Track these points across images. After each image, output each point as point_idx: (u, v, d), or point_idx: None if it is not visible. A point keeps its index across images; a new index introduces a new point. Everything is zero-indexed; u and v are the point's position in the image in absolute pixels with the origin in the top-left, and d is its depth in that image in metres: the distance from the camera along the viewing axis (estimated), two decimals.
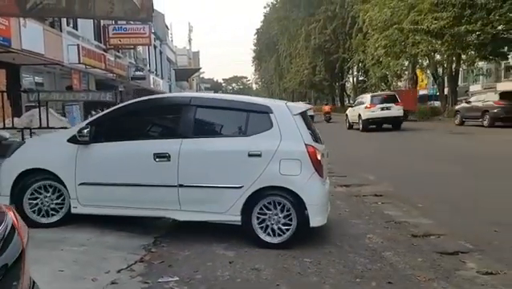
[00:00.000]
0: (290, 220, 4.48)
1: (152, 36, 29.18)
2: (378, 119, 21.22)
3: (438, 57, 32.80)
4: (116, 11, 8.72)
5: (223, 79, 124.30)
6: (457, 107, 24.78)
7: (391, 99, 21.85)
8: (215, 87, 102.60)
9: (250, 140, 4.58)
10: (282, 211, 4.50)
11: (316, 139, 4.85)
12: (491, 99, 20.86)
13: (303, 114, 4.87)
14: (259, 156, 4.47)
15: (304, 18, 52.55)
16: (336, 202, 6.42)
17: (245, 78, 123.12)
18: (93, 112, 19.59)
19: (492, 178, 8.34)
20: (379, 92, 28.75)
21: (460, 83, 38.84)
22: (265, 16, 74.90)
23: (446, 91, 33.77)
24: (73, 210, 4.87)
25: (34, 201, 4.92)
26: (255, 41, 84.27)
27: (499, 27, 23.17)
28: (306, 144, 4.50)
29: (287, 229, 4.49)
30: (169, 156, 4.59)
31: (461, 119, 22.82)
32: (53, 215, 4.97)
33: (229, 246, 4.57)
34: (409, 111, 27.06)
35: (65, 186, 4.86)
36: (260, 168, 4.46)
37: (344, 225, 5.43)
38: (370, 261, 4.15)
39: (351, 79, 55.30)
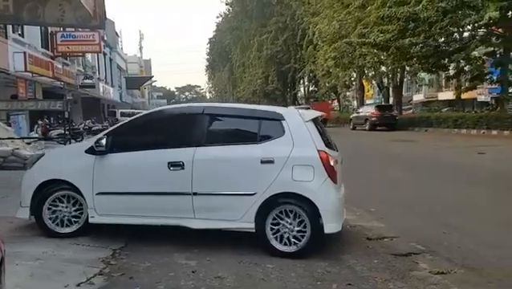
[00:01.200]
0: (305, 227, 4.45)
1: (102, 43, 28.49)
2: None
3: (383, 68, 34.33)
4: (67, 18, 8.53)
5: (176, 88, 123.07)
6: (350, 116, 32.42)
7: (306, 110, 28.14)
8: (168, 95, 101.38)
9: (263, 147, 4.62)
10: (295, 218, 4.47)
11: (329, 145, 4.87)
12: (370, 110, 28.93)
13: (315, 120, 4.91)
14: (272, 162, 4.50)
15: (256, 29, 53.30)
16: None
17: (199, 87, 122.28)
18: (39, 122, 18.87)
19: (424, 177, 8.83)
20: (299, 106, 36.54)
21: (404, 92, 40.75)
22: (217, 26, 75.12)
23: (391, 100, 35.35)
24: (90, 220, 4.90)
25: (54, 211, 4.97)
26: (208, 50, 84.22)
27: (440, 40, 24.63)
28: (318, 150, 4.51)
29: (302, 237, 4.45)
30: (183, 165, 4.63)
31: (353, 125, 30.13)
32: (71, 225, 5.01)
33: (191, 255, 4.55)
34: (325, 119, 33.33)
35: (83, 196, 4.92)
36: (273, 175, 4.48)
37: None
38: (329, 264, 4.28)
39: (302, 89, 56.55)
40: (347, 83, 41.17)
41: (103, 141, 4.84)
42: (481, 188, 8.20)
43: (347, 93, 50.45)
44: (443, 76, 38.59)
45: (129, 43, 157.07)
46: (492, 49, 24.89)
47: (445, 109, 37.40)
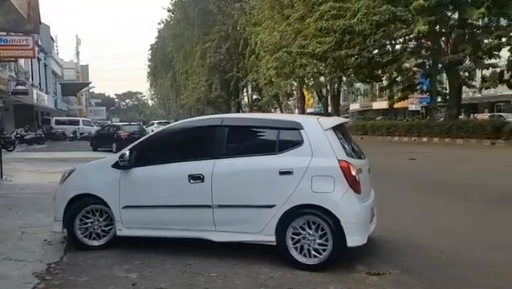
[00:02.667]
0: (327, 240, 4.31)
1: (36, 48, 27.11)
2: None
3: (322, 78, 35.54)
4: None
5: (116, 95, 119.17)
6: None
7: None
8: (107, 102, 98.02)
9: (281, 158, 4.51)
10: (317, 230, 4.34)
11: (353, 154, 4.75)
12: None
13: (337, 128, 4.73)
14: (290, 173, 4.40)
15: (199, 37, 53.23)
16: None
17: (140, 93, 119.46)
18: None
19: None
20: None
21: (341, 101, 42.39)
22: (159, 32, 74.08)
23: (330, 109, 36.64)
24: (118, 233, 4.98)
25: (85, 224, 5.07)
26: (150, 57, 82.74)
27: (374, 52, 25.93)
28: (338, 160, 4.36)
29: (323, 250, 4.33)
30: (203, 177, 4.61)
31: None
32: (102, 238, 5.09)
33: (132, 267, 4.45)
34: None
35: (111, 210, 4.99)
36: (292, 186, 4.37)
37: None
38: (272, 270, 4.34)
39: (246, 97, 57.06)
40: (288, 92, 42.16)
41: (127, 156, 4.91)
42: (415, 193, 8.69)
43: (289, 102, 51.57)
44: (377, 87, 40.62)
45: (65, 48, 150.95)
46: (422, 61, 26.60)
47: (379, 118, 39.31)
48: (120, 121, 47.19)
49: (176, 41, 61.67)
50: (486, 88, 25.79)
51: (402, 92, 28.94)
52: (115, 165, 4.98)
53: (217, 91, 52.59)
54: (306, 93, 43.02)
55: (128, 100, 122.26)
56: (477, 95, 35.21)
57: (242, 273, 4.27)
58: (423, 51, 25.63)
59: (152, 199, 4.87)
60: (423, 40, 24.67)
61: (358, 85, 40.99)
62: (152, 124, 41.21)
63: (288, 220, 4.40)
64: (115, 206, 4.93)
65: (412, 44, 25.66)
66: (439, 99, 26.87)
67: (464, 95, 28.81)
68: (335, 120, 5.04)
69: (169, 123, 45.30)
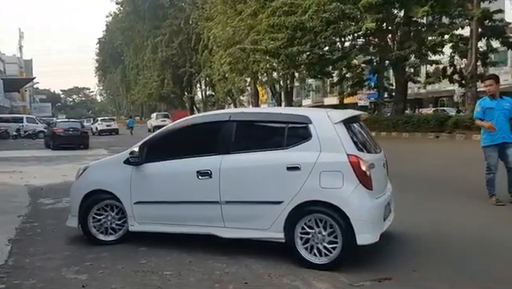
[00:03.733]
0: (336, 238, 4.18)
1: None
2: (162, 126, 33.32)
3: (275, 74, 35.87)
4: None
5: (62, 90, 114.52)
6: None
7: (165, 116, 41.34)
8: (52, 98, 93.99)
9: (289, 153, 4.39)
10: (325, 228, 4.21)
11: (365, 148, 4.62)
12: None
13: (348, 121, 4.57)
14: (298, 169, 4.29)
15: (150, 31, 52.18)
16: None
17: (88, 89, 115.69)
18: None
19: None
20: (162, 112, 46.99)
21: (294, 97, 43.00)
22: (107, 25, 71.81)
23: (283, 105, 37.06)
24: (130, 228, 5.04)
25: (98, 220, 5.14)
26: (98, 51, 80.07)
27: (325, 49, 26.48)
28: (348, 155, 4.22)
29: (333, 248, 4.20)
30: (211, 173, 4.58)
31: None
32: (115, 233, 5.15)
33: (82, 269, 4.32)
34: None
35: (123, 205, 5.05)
36: (299, 182, 4.26)
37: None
38: (227, 265, 4.35)
39: (199, 93, 56.62)
40: (241, 88, 42.23)
41: (137, 152, 4.95)
42: None
43: (243, 98, 51.67)
44: (328, 83, 41.46)
45: (7, 43, 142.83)
46: (369, 57, 27.45)
47: None
48: (67, 118, 45.56)
49: (125, 34, 60.06)
50: (430, 84, 27.02)
51: (351, 88, 29.72)
52: (127, 161, 5.02)
53: (170, 87, 51.81)
54: (259, 89, 43.27)
55: (74, 96, 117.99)
56: (422, 90, 36.89)
57: (197, 270, 4.25)
58: (371, 48, 26.45)
59: (162, 195, 4.90)
60: (371, 37, 25.43)
61: (310, 81, 41.76)
62: (97, 121, 42.55)
63: (296, 217, 4.31)
64: (127, 202, 4.99)
65: (360, 41, 26.40)
66: (386, 95, 27.86)
67: (409, 91, 30.03)
68: (347, 114, 4.84)
69: (114, 120, 47.01)
